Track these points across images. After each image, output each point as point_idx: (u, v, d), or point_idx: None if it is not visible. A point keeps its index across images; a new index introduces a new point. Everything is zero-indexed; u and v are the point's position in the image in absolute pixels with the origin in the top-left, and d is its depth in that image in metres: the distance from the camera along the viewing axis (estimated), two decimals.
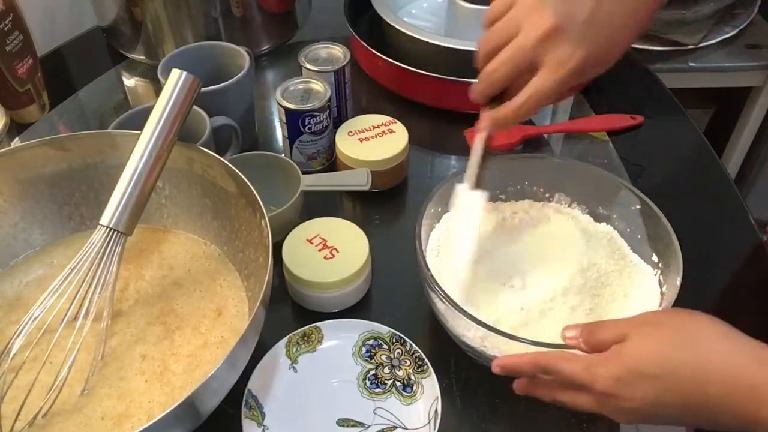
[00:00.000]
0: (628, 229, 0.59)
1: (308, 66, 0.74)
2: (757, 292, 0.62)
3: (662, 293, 0.54)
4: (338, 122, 0.78)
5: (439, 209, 0.60)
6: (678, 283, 0.51)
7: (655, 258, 0.56)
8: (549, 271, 0.55)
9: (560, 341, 0.45)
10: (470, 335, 0.52)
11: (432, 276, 0.51)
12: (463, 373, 0.56)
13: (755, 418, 0.36)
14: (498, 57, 0.48)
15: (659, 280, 0.55)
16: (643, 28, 0.47)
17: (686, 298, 0.50)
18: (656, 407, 0.38)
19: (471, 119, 0.79)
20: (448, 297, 0.50)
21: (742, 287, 0.64)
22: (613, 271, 0.56)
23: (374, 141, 0.70)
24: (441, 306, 0.53)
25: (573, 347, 0.43)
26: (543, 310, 0.53)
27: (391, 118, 0.73)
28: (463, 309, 0.49)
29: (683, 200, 0.68)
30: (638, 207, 0.57)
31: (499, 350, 0.51)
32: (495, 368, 0.45)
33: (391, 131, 0.71)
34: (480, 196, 0.54)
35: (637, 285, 0.56)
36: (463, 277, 0.53)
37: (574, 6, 0.45)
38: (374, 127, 0.72)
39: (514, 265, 0.57)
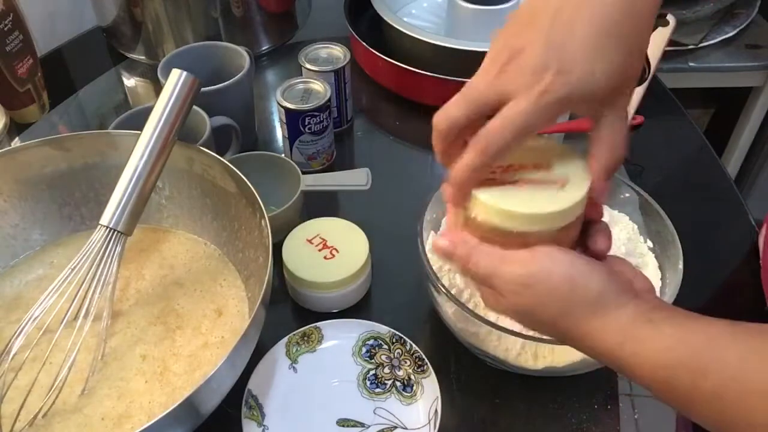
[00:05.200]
0: (628, 225, 0.59)
1: (308, 66, 0.74)
2: (756, 291, 0.62)
3: (663, 289, 0.54)
4: (338, 122, 0.78)
5: (440, 208, 0.60)
6: (679, 278, 0.51)
7: (655, 254, 0.56)
8: None
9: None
10: (471, 331, 0.52)
11: (434, 272, 0.51)
12: (463, 373, 0.56)
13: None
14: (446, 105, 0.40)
15: (659, 274, 0.55)
16: (637, 43, 0.36)
17: (686, 297, 0.50)
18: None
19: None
20: (449, 292, 0.50)
21: (742, 287, 0.64)
22: None
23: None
24: (441, 301, 0.53)
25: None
26: None
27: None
28: (464, 305, 0.49)
29: (683, 200, 0.68)
30: (637, 203, 0.58)
31: (500, 345, 0.51)
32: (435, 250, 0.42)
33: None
34: None
35: None
36: None
37: (530, 28, 0.36)
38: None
39: None
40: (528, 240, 0.38)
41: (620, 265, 0.41)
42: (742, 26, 1.21)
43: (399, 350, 0.56)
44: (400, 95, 0.84)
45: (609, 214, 0.59)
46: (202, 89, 0.57)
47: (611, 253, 0.42)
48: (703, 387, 0.34)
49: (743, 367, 0.34)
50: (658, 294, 0.54)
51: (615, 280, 0.38)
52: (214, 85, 0.69)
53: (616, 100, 0.37)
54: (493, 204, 0.38)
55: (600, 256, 0.40)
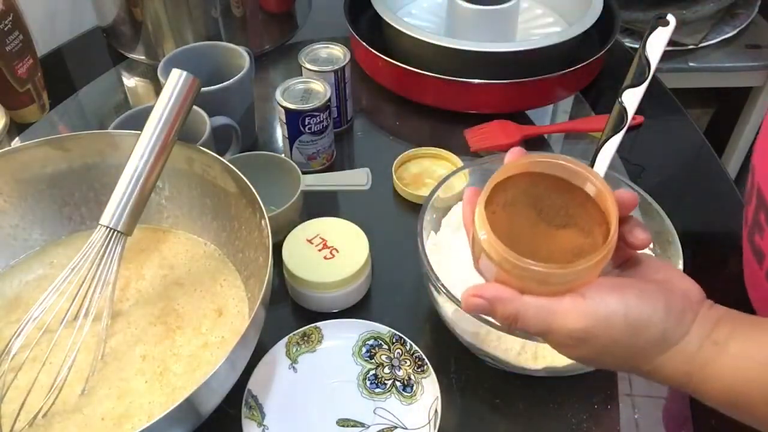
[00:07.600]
0: None
1: (308, 66, 0.74)
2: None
3: None
4: (338, 122, 0.78)
5: (440, 209, 0.60)
6: None
7: (655, 254, 0.56)
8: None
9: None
10: (471, 331, 0.52)
11: (434, 272, 0.51)
12: (463, 373, 0.56)
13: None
14: None
15: None
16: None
17: None
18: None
19: (471, 119, 0.80)
20: (449, 292, 0.50)
21: (742, 287, 0.64)
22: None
23: None
24: (441, 301, 0.53)
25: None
26: None
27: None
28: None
29: (683, 200, 0.68)
30: (637, 203, 0.58)
31: (500, 345, 0.51)
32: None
33: None
34: None
35: None
36: None
37: None
38: None
39: None
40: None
41: (669, 272, 0.39)
42: (742, 26, 1.22)
43: (399, 350, 0.56)
44: (400, 95, 0.84)
45: None
46: (202, 89, 0.57)
47: None
48: None
49: None
50: None
51: (673, 309, 0.36)
52: (214, 85, 0.69)
53: None
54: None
55: (640, 248, 0.39)
